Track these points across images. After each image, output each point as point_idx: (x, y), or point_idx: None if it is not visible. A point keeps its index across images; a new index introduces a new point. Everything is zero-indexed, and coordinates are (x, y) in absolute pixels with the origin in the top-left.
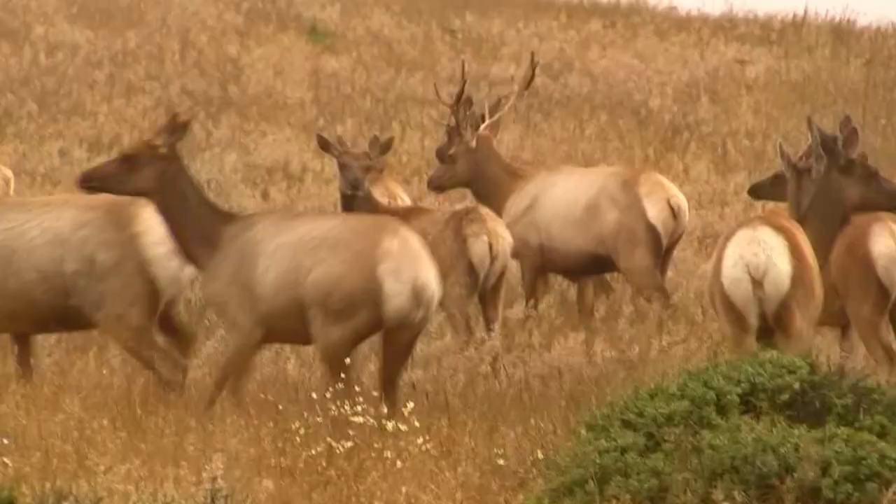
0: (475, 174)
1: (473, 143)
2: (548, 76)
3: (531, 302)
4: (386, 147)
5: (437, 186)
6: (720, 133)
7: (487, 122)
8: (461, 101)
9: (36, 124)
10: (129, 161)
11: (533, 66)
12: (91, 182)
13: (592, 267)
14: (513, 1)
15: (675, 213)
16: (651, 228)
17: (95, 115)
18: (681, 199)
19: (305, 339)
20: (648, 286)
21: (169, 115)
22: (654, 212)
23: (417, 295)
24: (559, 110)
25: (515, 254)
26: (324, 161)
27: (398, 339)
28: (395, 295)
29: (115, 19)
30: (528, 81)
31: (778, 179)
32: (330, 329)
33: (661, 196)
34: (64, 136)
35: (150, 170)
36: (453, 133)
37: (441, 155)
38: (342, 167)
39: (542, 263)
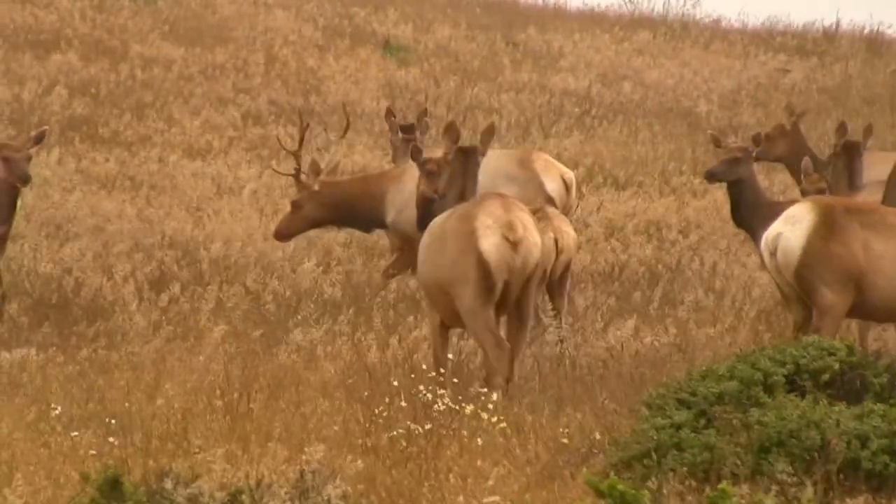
0: (332, 209)
1: (316, 187)
2: (603, 85)
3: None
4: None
5: (285, 235)
6: None
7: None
8: (303, 143)
9: (134, 134)
10: None
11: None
12: None
13: None
14: (570, 15)
15: (567, 186)
16: (549, 200)
17: (188, 125)
18: (571, 175)
19: None
20: None
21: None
22: (553, 185)
23: None
24: (614, 116)
25: (410, 236)
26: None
27: None
28: None
29: (206, 37)
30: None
31: (733, 162)
32: None
33: (556, 172)
34: (160, 145)
35: None
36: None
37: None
38: (430, 174)
39: None
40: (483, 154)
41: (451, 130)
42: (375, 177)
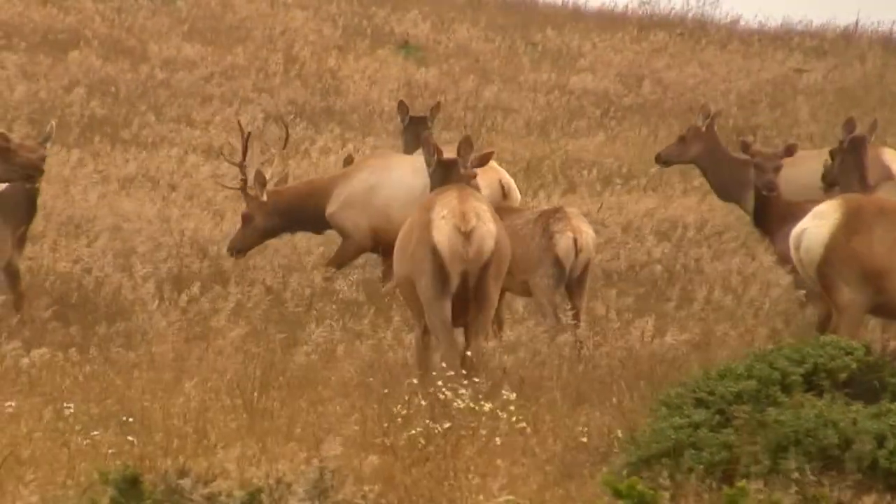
0: (282, 216)
1: (264, 198)
2: (621, 85)
3: (332, 270)
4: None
5: (239, 249)
6: (781, 136)
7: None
8: (246, 156)
9: (152, 133)
10: None
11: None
12: None
13: None
14: (588, 15)
15: (504, 191)
16: None
17: (207, 125)
18: (510, 180)
19: None
20: None
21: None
22: (487, 192)
23: None
24: (633, 116)
25: (347, 233)
26: None
27: None
28: None
29: (225, 36)
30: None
31: (680, 142)
32: None
33: (494, 176)
34: (178, 144)
35: None
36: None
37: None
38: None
39: (372, 244)
40: (464, 167)
41: (429, 144)
42: (325, 179)
